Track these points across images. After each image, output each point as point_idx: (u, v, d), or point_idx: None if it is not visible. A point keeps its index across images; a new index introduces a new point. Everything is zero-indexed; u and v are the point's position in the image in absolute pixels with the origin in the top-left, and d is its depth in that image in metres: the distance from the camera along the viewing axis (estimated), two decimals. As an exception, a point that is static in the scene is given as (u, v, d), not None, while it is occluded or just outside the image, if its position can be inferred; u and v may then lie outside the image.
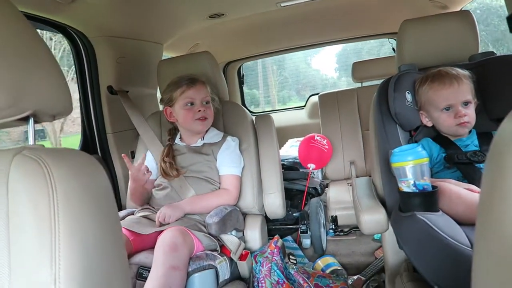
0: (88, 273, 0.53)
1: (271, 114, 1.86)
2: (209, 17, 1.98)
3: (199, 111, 1.51)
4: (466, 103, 1.20)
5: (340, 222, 2.18)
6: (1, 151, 0.60)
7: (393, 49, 2.96)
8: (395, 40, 2.84)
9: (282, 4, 1.92)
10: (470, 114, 1.20)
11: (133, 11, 1.62)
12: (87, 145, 1.82)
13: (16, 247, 0.53)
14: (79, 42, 1.72)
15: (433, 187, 1.04)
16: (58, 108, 0.69)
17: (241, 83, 3.60)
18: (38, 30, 1.29)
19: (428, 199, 1.02)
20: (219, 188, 1.54)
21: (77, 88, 1.79)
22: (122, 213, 1.51)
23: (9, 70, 0.58)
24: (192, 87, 1.51)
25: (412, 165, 1.04)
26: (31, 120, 0.67)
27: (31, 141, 0.68)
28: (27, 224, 0.52)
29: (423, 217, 0.98)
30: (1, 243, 0.54)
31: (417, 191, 1.03)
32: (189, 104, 1.51)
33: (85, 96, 1.79)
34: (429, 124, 1.29)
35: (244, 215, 1.64)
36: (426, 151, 1.21)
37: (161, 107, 1.67)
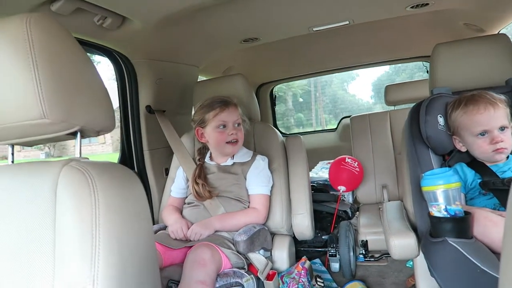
0: (123, 277, 0.57)
1: (301, 136, 1.88)
2: (243, 41, 2.06)
3: (231, 134, 1.54)
4: (502, 128, 1.17)
5: (370, 247, 2.13)
6: (52, 162, 0.67)
7: (427, 71, 2.92)
8: (429, 63, 2.80)
9: (315, 29, 1.97)
10: (506, 140, 1.17)
11: (173, 36, 1.72)
12: (125, 160, 1.91)
13: (60, 249, 0.58)
14: (123, 65, 1.84)
15: (466, 212, 1.02)
16: (102, 125, 0.75)
17: (273, 104, 3.66)
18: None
19: (460, 225, 1.00)
20: (248, 207, 1.56)
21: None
22: (154, 228, 1.56)
23: (63, 89, 0.65)
24: (225, 110, 1.54)
25: (443, 189, 1.02)
26: (79, 135, 0.73)
27: (77, 154, 0.74)
28: (71, 228, 0.58)
29: (454, 244, 0.95)
30: (47, 245, 0.59)
31: (449, 216, 1.01)
32: (222, 127, 1.55)
33: (125, 114, 1.90)
34: (463, 149, 1.26)
35: (273, 235, 1.64)
36: (460, 176, 1.19)
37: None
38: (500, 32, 1.93)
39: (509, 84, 1.33)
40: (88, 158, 0.72)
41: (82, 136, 0.74)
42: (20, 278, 0.60)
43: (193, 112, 2.13)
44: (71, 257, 0.56)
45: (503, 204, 1.12)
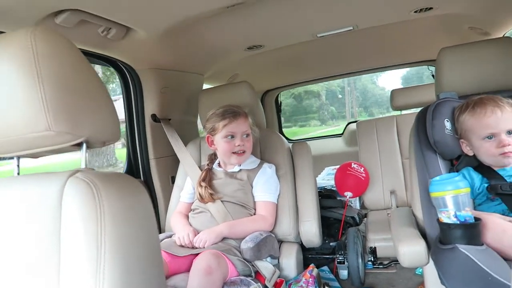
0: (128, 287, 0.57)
1: (308, 142, 1.87)
2: (248, 48, 2.07)
3: (238, 145, 1.55)
4: (510, 132, 1.16)
5: (379, 254, 2.10)
6: (57, 173, 0.67)
7: (433, 75, 2.91)
8: (434, 67, 2.79)
9: (319, 35, 1.97)
10: None
11: (178, 45, 1.73)
12: (131, 169, 1.92)
13: (65, 259, 0.58)
14: (127, 74, 1.85)
15: (476, 219, 1.00)
16: (108, 135, 0.76)
17: (278, 111, 3.66)
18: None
19: (471, 231, 0.98)
20: (253, 214, 1.55)
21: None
22: (161, 236, 1.56)
23: (68, 101, 0.66)
24: (233, 121, 1.56)
25: (452, 195, 1.00)
26: (84, 146, 0.73)
27: (83, 165, 0.74)
28: (77, 238, 0.58)
29: (465, 250, 0.93)
30: (52, 257, 0.59)
31: (458, 222, 0.99)
32: (230, 137, 1.57)
33: (131, 124, 1.91)
34: (470, 153, 1.24)
35: (280, 242, 1.63)
36: (468, 181, 1.17)
37: (199, 126, 1.72)
38: (505, 35, 1.92)
39: (517, 87, 1.31)
40: (93, 169, 0.72)
41: (88, 147, 0.74)
42: (25, 290, 0.60)
43: (198, 120, 2.14)
44: (76, 269, 0.56)
45: (511, 210, 1.10)
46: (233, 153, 1.57)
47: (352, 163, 2.27)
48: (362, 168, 2.25)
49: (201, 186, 1.57)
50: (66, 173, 0.65)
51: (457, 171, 1.26)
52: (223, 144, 1.57)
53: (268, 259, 1.48)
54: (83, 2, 1.13)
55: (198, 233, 1.45)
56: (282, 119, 3.78)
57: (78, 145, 0.73)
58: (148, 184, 1.92)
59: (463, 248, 0.94)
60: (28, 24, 1.15)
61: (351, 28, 1.90)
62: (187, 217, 1.62)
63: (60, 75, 0.65)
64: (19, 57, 0.62)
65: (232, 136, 1.57)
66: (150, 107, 1.90)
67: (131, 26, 1.40)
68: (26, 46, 0.63)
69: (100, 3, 1.16)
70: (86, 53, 1.49)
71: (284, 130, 3.90)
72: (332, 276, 2.15)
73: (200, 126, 2.18)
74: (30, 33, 0.64)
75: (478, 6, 1.67)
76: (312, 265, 1.62)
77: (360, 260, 2.08)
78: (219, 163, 1.68)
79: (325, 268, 2.21)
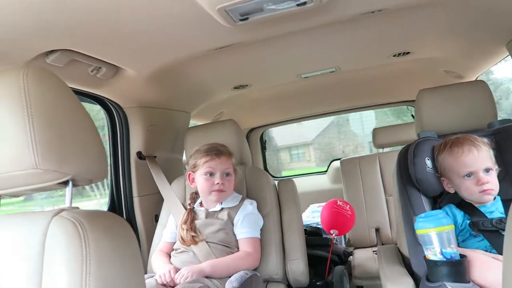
0: None
1: (293, 179, 1.88)
2: (234, 88, 2.13)
3: (217, 183, 1.53)
4: (487, 170, 1.20)
5: (366, 293, 2.07)
6: (42, 212, 0.65)
7: (412, 115, 3.02)
8: (413, 107, 2.90)
9: (303, 76, 2.05)
10: (492, 181, 1.19)
11: (166, 84, 1.77)
12: (114, 207, 1.87)
13: None
14: (114, 112, 1.86)
15: (461, 255, 1.01)
16: (94, 173, 0.75)
17: (263, 148, 3.69)
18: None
19: (457, 268, 0.99)
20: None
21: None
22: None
23: (57, 138, 0.66)
24: (216, 159, 1.55)
25: (437, 232, 1.02)
26: (70, 184, 0.73)
27: (67, 203, 0.73)
28: (59, 281, 0.55)
29: (452, 288, 0.93)
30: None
31: (445, 259, 1.00)
32: (209, 174, 1.55)
33: (115, 161, 1.89)
34: (452, 190, 1.28)
35: (266, 282, 1.59)
36: (450, 217, 1.19)
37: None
38: (477, 79, 2.03)
39: (491, 127, 1.37)
40: (78, 208, 0.71)
41: (74, 185, 0.73)
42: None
43: (184, 157, 2.14)
44: None
45: (494, 246, 1.12)
46: (212, 191, 1.54)
47: (338, 201, 2.28)
48: (348, 206, 2.26)
49: (182, 228, 1.53)
50: (50, 212, 0.64)
51: (440, 208, 1.29)
52: (202, 182, 1.56)
53: (254, 300, 1.43)
54: (75, 43, 1.16)
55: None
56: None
57: (64, 183, 0.72)
58: (131, 223, 1.87)
59: (451, 286, 0.94)
60: (19, 63, 1.17)
61: (334, 69, 1.98)
62: (169, 256, 1.57)
63: (51, 113, 0.66)
64: (10, 97, 0.63)
65: (212, 174, 1.55)
66: (136, 144, 1.90)
67: (121, 65, 1.43)
68: (18, 86, 0.63)
69: (92, 44, 1.19)
70: (75, 92, 1.50)
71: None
72: (319, 317, 2.09)
73: (186, 164, 2.17)
74: (22, 72, 0.65)
75: (452, 51, 1.78)
76: (299, 306, 1.58)
77: (348, 301, 2.04)
78: (200, 203, 1.65)
79: (313, 309, 2.14)
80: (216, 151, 1.58)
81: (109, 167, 1.89)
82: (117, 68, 1.45)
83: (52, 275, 0.57)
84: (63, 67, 1.24)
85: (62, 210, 0.65)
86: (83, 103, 1.00)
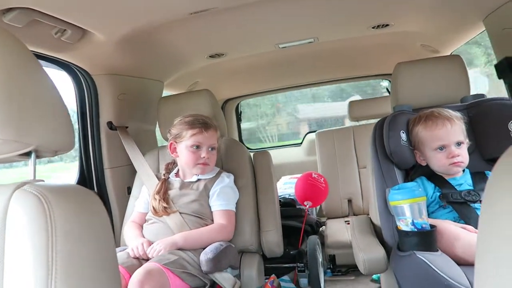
0: None
1: (268, 151, 1.87)
2: (209, 56, 2.05)
3: (203, 157, 1.51)
4: (459, 144, 1.23)
5: (338, 261, 2.14)
6: (2, 185, 0.60)
7: (387, 89, 3.05)
8: (389, 81, 2.93)
9: (281, 46, 2.00)
10: (463, 154, 1.23)
11: (137, 50, 1.67)
12: (84, 179, 1.81)
13: (9, 280, 0.52)
14: (82, 79, 1.76)
15: (432, 226, 1.04)
16: (60, 144, 0.70)
17: (238, 120, 3.66)
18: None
19: (427, 239, 1.02)
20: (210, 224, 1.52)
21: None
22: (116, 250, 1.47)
23: (16, 106, 0.60)
24: (204, 132, 1.52)
25: (410, 204, 1.04)
26: (33, 155, 0.67)
27: (31, 176, 0.68)
28: (23, 258, 0.52)
29: (422, 257, 0.97)
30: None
31: (416, 230, 1.03)
32: (195, 147, 1.52)
33: (84, 131, 1.81)
34: (423, 163, 1.31)
35: (241, 253, 1.60)
36: (422, 189, 1.22)
37: (158, 135, 1.65)
38: (453, 53, 2.06)
39: (464, 101, 1.40)
40: (43, 181, 0.66)
41: (38, 157, 0.68)
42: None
43: (157, 128, 2.08)
44: None
45: (462, 217, 1.16)
46: (197, 164, 1.52)
47: (313, 173, 2.31)
48: (322, 179, 2.29)
49: (155, 199, 1.51)
50: (12, 185, 0.59)
51: (411, 180, 1.32)
52: (187, 154, 1.53)
53: (229, 270, 1.44)
54: (36, 1, 1.06)
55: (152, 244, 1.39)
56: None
57: (27, 155, 0.67)
58: (102, 196, 1.82)
59: (420, 254, 0.98)
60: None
61: (312, 40, 1.94)
62: (142, 227, 1.55)
63: (8, 77, 0.60)
64: None
65: (198, 147, 1.53)
66: (106, 114, 1.82)
67: (88, 28, 1.33)
68: None
69: (54, 2, 1.09)
70: (37, 56, 1.39)
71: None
72: (292, 285, 2.16)
73: (158, 134, 2.11)
74: None
75: (431, 25, 1.78)
76: (273, 275, 1.61)
77: (320, 269, 2.11)
78: (176, 173, 1.62)
79: (286, 277, 2.21)
80: (203, 124, 1.54)
81: (77, 138, 1.81)
82: (84, 31, 1.35)
83: (15, 253, 0.53)
84: (22, 28, 1.14)
85: (25, 183, 0.60)
86: (47, 69, 0.93)
